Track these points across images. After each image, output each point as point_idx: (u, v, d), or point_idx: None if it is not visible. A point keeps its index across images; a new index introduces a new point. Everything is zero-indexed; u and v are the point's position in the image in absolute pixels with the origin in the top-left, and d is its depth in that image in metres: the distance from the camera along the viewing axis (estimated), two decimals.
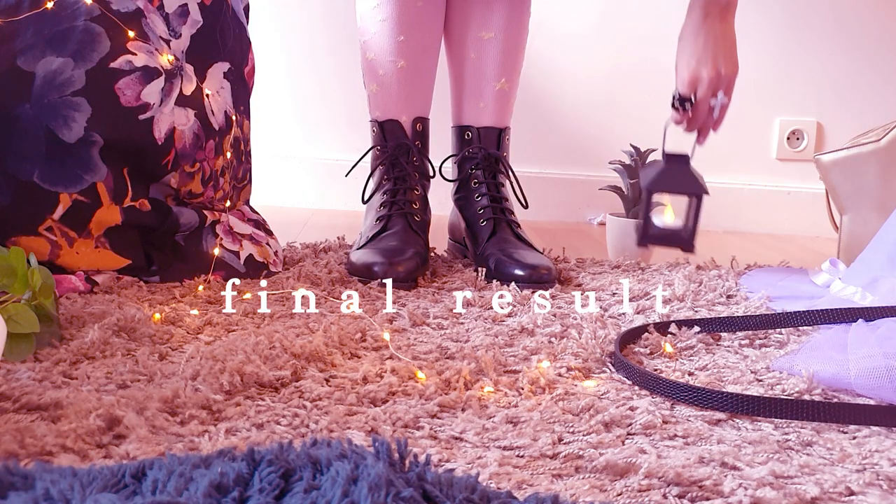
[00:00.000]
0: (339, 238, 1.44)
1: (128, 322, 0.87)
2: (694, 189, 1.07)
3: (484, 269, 1.20)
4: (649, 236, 1.07)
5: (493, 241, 1.24)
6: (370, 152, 1.36)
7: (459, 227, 1.37)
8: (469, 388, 0.74)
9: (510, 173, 1.34)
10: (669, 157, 1.12)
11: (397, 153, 1.29)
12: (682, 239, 1.05)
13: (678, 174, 1.10)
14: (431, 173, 1.34)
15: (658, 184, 1.10)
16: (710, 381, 0.79)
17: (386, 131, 1.31)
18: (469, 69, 1.35)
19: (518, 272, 1.15)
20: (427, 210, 1.32)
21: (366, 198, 1.31)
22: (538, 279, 1.14)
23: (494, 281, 1.16)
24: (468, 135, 1.35)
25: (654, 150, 1.47)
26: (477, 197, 1.31)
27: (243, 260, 1.16)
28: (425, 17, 1.30)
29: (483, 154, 1.32)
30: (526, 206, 1.33)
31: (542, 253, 1.24)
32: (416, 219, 1.26)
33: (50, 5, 1.00)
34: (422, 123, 1.33)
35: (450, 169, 1.41)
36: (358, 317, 0.96)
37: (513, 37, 1.35)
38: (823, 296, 1.12)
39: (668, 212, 1.20)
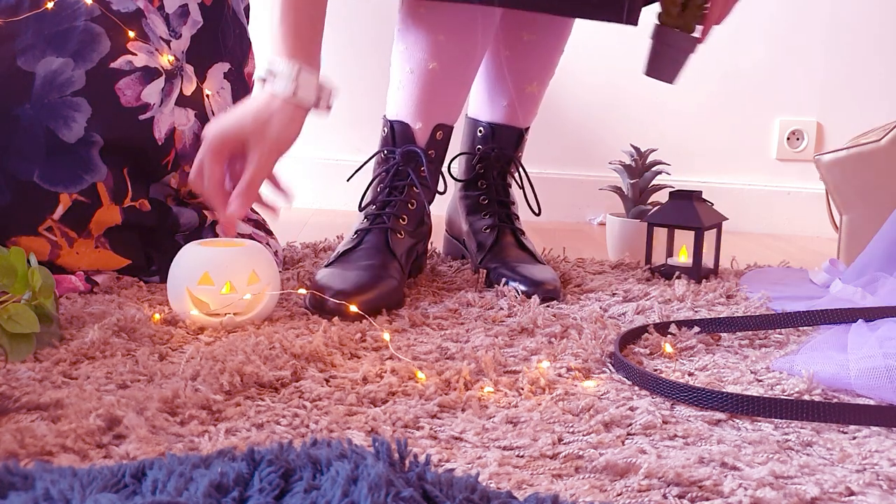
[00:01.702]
0: (338, 237, 1.44)
1: (128, 322, 0.87)
2: (691, 223, 1.25)
3: (484, 272, 1.18)
4: (664, 272, 1.28)
5: (495, 250, 1.20)
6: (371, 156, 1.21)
7: (458, 223, 1.33)
8: (469, 389, 0.74)
9: (522, 176, 1.29)
10: (674, 195, 1.30)
11: (404, 160, 1.14)
12: (691, 273, 1.26)
13: (681, 210, 1.28)
14: (442, 188, 1.20)
15: (657, 217, 1.30)
16: (710, 381, 0.79)
17: (396, 133, 1.16)
18: (499, 66, 1.27)
19: (523, 288, 1.10)
20: (422, 225, 1.17)
21: (362, 205, 1.15)
22: (543, 296, 1.09)
23: (494, 284, 1.14)
24: (481, 130, 1.29)
25: (654, 150, 1.47)
26: (483, 200, 1.26)
27: None
28: (476, 18, 1.13)
29: (496, 153, 1.27)
30: (538, 213, 1.27)
31: (544, 263, 1.20)
32: (398, 236, 1.11)
33: (50, 5, 1.00)
34: (443, 131, 1.16)
35: (457, 165, 1.34)
36: (358, 316, 0.95)
37: (553, 43, 1.28)
38: (823, 296, 1.12)
39: (683, 252, 1.32)
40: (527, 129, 1.31)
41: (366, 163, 1.20)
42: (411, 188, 1.13)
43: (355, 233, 1.11)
